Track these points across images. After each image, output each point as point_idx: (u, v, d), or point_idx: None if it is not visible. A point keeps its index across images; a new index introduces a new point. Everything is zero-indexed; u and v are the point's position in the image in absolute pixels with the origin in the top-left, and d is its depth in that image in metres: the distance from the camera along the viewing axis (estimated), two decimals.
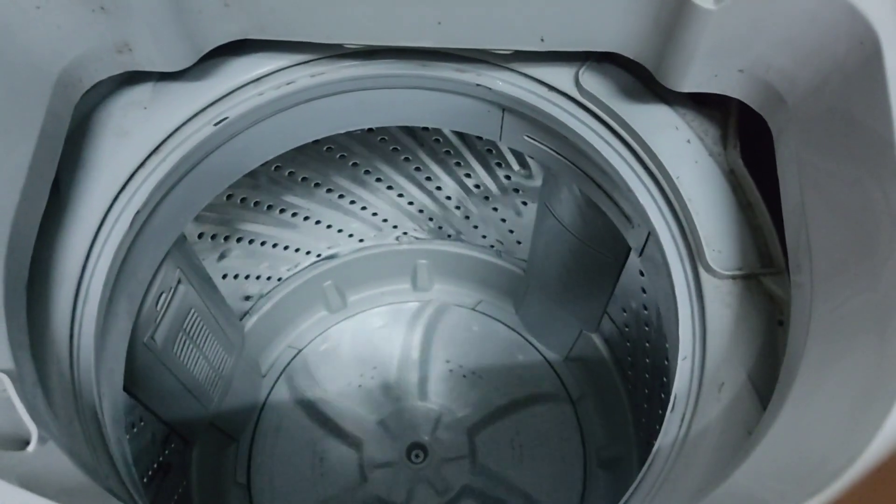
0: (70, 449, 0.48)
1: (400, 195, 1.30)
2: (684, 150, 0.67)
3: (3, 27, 0.54)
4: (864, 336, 0.45)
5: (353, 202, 1.30)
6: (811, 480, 0.40)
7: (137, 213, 0.68)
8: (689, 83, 0.61)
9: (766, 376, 0.58)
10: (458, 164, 1.20)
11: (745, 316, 0.61)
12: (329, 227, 1.34)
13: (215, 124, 0.72)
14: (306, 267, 1.40)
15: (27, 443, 0.44)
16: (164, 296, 0.89)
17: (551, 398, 1.40)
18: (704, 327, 0.61)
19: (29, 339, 0.53)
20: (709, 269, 0.62)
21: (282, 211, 1.23)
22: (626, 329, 1.19)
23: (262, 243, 1.26)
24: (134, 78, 0.70)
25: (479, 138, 1.12)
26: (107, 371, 0.68)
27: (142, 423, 1.01)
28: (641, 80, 0.69)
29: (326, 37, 0.64)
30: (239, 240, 1.21)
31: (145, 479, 1.03)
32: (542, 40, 0.63)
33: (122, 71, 0.63)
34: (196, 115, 0.72)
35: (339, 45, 0.71)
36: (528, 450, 1.35)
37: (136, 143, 0.69)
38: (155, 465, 1.07)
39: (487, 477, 1.32)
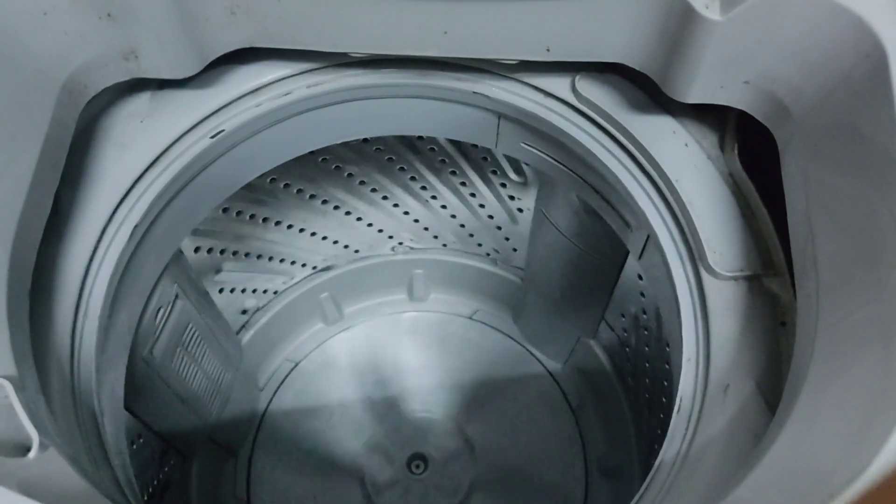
0: (71, 456, 0.47)
1: (395, 205, 1.30)
2: (683, 154, 0.67)
3: (11, 32, 0.54)
4: (871, 346, 0.45)
5: (348, 213, 1.29)
6: (815, 495, 0.40)
7: (136, 225, 0.68)
8: (695, 94, 0.60)
9: (770, 378, 0.58)
10: (453, 172, 1.20)
11: (747, 317, 0.61)
12: (325, 238, 1.33)
13: (211, 137, 0.72)
14: (302, 279, 1.40)
15: (28, 449, 0.44)
16: (162, 310, 0.89)
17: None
18: (708, 329, 0.61)
19: (31, 347, 0.53)
20: (710, 271, 0.62)
21: (277, 223, 1.23)
22: (625, 334, 1.19)
23: (258, 256, 1.26)
24: (131, 89, 0.70)
25: (475, 146, 1.12)
26: (108, 384, 0.67)
27: (140, 440, 1.00)
28: (638, 86, 0.69)
29: (332, 45, 0.64)
30: (234, 253, 1.20)
31: (146, 496, 1.02)
32: (548, 50, 0.62)
33: (127, 78, 0.63)
34: (193, 127, 0.72)
35: (343, 55, 0.71)
36: (522, 426, 1.36)
37: (135, 155, 0.69)
38: (154, 482, 1.06)
39: (491, 465, 1.32)
